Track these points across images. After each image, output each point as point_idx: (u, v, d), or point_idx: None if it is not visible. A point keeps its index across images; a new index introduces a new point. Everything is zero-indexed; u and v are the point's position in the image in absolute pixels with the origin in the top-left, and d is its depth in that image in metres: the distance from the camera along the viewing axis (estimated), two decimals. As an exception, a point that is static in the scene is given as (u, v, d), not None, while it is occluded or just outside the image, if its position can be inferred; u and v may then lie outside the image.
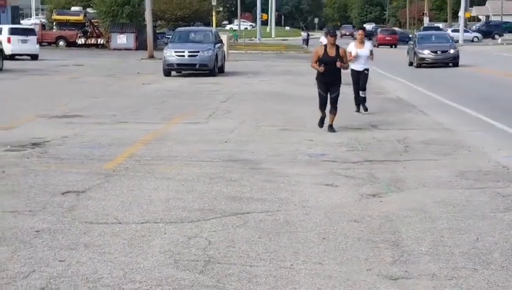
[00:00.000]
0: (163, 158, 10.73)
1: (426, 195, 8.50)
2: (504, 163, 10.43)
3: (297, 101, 19.59)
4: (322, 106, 13.80)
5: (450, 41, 37.47)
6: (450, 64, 35.42)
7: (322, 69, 13.34)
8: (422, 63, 35.04)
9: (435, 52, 35.40)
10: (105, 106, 18.18)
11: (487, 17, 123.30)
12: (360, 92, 16.75)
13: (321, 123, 13.78)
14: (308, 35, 73.30)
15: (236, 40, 72.06)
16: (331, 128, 13.59)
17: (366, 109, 16.75)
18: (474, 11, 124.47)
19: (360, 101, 16.82)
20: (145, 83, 25.62)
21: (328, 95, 13.67)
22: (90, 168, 9.90)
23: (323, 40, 42.61)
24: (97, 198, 8.20)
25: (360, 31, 17.49)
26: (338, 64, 13.33)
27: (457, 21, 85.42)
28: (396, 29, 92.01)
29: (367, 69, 16.92)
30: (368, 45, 17.32)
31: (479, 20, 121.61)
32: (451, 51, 35.69)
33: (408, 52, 38.40)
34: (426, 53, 35.24)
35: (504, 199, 8.25)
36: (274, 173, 9.66)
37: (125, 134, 13.10)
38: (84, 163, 10.33)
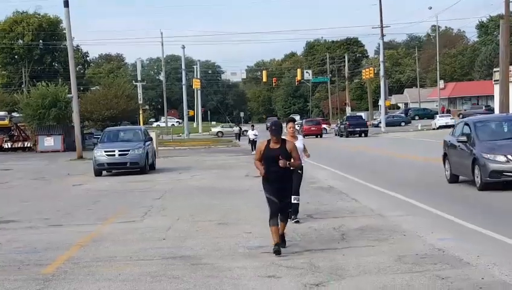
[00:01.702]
0: (102, 259, 10.61)
1: (368, 282, 8.62)
2: (439, 245, 10.68)
3: (230, 194, 19.71)
4: (273, 216, 10.70)
5: None
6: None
7: (263, 173, 10.75)
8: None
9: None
10: (37, 209, 17.90)
11: (406, 104, 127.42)
12: (293, 197, 12.53)
13: (278, 250, 10.46)
14: (241, 129, 74.09)
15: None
16: (281, 241, 10.76)
17: (297, 221, 13.61)
18: (394, 99, 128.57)
19: (292, 208, 12.86)
20: (76, 184, 25.38)
21: (279, 201, 10.76)
22: (28, 274, 9.70)
23: (251, 133, 43.54)
24: (38, 304, 8.03)
25: (290, 124, 13.82)
26: (281, 163, 10.51)
27: (378, 109, 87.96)
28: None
29: (301, 168, 13.49)
30: (301, 139, 14.29)
31: (398, 107, 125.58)
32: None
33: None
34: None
35: (444, 282, 8.45)
36: (216, 268, 9.67)
37: (61, 237, 12.92)
38: (21, 269, 10.13)
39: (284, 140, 10.98)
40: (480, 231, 11.87)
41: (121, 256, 10.82)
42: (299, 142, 13.63)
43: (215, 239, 12.08)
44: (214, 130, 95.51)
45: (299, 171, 13.47)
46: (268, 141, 10.95)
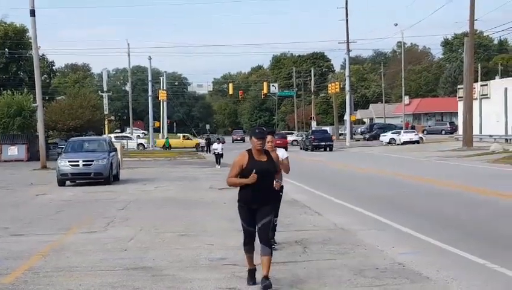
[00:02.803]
0: (63, 269, 10.54)
1: (328, 294, 8.68)
2: (399, 260, 10.80)
3: (194, 205, 19.70)
4: (248, 243, 9.16)
5: None
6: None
7: (254, 176, 8.76)
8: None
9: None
10: (-2, 218, 17.70)
11: (371, 119, 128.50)
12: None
13: (251, 277, 9.30)
14: (209, 140, 72.62)
15: (169, 148, 72.90)
16: (265, 282, 8.88)
17: (274, 242, 11.96)
18: (359, 114, 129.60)
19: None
20: (39, 193, 25.15)
21: (256, 225, 8.98)
22: (-13, 284, 9.61)
23: (217, 146, 43.43)
24: (-4, 314, 7.96)
25: (269, 137, 11.01)
26: (276, 185, 9.21)
27: (343, 124, 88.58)
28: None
29: (281, 187, 10.67)
30: (283, 153, 12.00)
31: (363, 122, 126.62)
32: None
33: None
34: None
35: (402, 294, 8.54)
36: (177, 279, 9.66)
37: (21, 247, 12.80)
38: (-20, 278, 10.02)
39: (267, 151, 9.27)
40: (441, 245, 12.03)
41: (82, 266, 10.76)
42: (283, 154, 11.96)
43: (177, 250, 12.07)
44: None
45: (279, 192, 11.36)
46: (250, 152, 8.99)
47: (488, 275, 9.61)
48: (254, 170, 8.74)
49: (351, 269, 10.16)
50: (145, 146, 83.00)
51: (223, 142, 44.42)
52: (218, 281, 9.54)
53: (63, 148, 33.23)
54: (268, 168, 8.92)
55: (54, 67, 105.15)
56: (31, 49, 53.28)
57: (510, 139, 61.20)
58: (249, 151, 9.00)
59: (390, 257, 11.07)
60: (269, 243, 8.98)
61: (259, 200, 8.92)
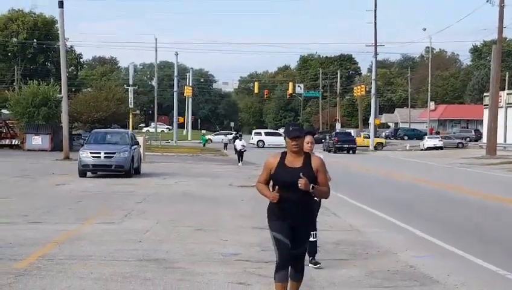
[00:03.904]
0: (77, 258, 10.65)
1: (336, 293, 8.70)
2: (411, 263, 10.79)
3: (212, 201, 19.78)
4: (284, 267, 7.27)
5: None
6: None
7: (275, 196, 7.17)
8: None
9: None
10: (17, 206, 17.90)
11: (396, 124, 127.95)
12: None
13: None
14: (231, 139, 70.89)
15: (204, 145, 72.01)
16: None
17: (317, 264, 10.44)
18: (384, 118, 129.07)
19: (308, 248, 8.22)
20: (60, 183, 25.38)
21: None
22: (0, 268, 9.74)
23: (238, 143, 43.34)
24: (7, 297, 8.08)
25: (309, 137, 8.89)
26: (301, 183, 6.99)
27: (368, 127, 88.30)
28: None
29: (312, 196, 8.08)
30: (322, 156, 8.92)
31: (388, 126, 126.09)
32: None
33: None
34: None
35: (410, 297, 8.55)
36: (188, 272, 9.73)
37: (38, 234, 12.95)
38: (-6, 263, 10.16)
39: (309, 154, 7.46)
40: (455, 251, 12.00)
41: (96, 256, 10.86)
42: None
43: (191, 244, 12.14)
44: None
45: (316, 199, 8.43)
46: (283, 155, 7.36)
47: (498, 282, 9.58)
48: (277, 186, 7.18)
49: (362, 270, 10.17)
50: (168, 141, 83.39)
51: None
52: (229, 275, 9.60)
53: (85, 139, 33.45)
54: (297, 177, 7.06)
55: (81, 60, 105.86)
56: (59, 40, 53.67)
57: (535, 149, 60.66)
58: (284, 154, 7.35)
59: (403, 260, 11.06)
60: (302, 268, 7.53)
61: (289, 218, 7.20)
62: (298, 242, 7.26)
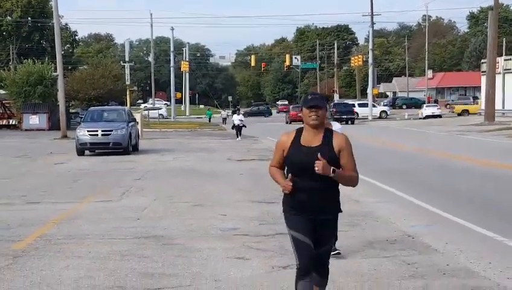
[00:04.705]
0: (75, 237, 10.64)
1: (333, 265, 8.65)
2: (410, 232, 10.78)
3: (210, 176, 19.76)
4: (307, 272, 5.92)
5: None
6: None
7: (287, 185, 5.83)
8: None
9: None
10: (15, 186, 17.90)
11: (394, 93, 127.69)
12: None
13: None
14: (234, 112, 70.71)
15: (209, 121, 72.22)
16: None
17: (337, 252, 9.21)
18: (382, 87, 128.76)
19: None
20: (58, 162, 25.35)
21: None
22: (-2, 249, 9.73)
23: (236, 118, 43.08)
24: (5, 279, 8.07)
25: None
26: (318, 166, 5.64)
27: (366, 97, 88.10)
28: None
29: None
30: (339, 128, 9.68)
31: (386, 96, 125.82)
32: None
33: None
34: None
35: (409, 267, 8.54)
36: (186, 248, 9.72)
37: (36, 214, 12.94)
38: (-8, 244, 10.14)
39: (331, 131, 6.05)
40: (453, 219, 11.98)
41: (94, 234, 10.85)
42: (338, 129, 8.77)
43: (189, 220, 12.13)
44: None
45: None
46: (298, 133, 6.03)
47: (497, 249, 9.56)
48: (290, 174, 5.86)
49: (360, 241, 10.17)
50: (164, 116, 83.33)
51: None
52: (228, 250, 9.59)
53: (82, 117, 33.38)
54: (315, 158, 5.70)
55: (76, 37, 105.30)
56: (53, 18, 53.30)
57: (533, 115, 60.58)
58: (299, 130, 6.02)
59: (401, 230, 11.05)
60: (327, 270, 6.26)
61: (308, 211, 5.88)
62: (321, 241, 5.97)
